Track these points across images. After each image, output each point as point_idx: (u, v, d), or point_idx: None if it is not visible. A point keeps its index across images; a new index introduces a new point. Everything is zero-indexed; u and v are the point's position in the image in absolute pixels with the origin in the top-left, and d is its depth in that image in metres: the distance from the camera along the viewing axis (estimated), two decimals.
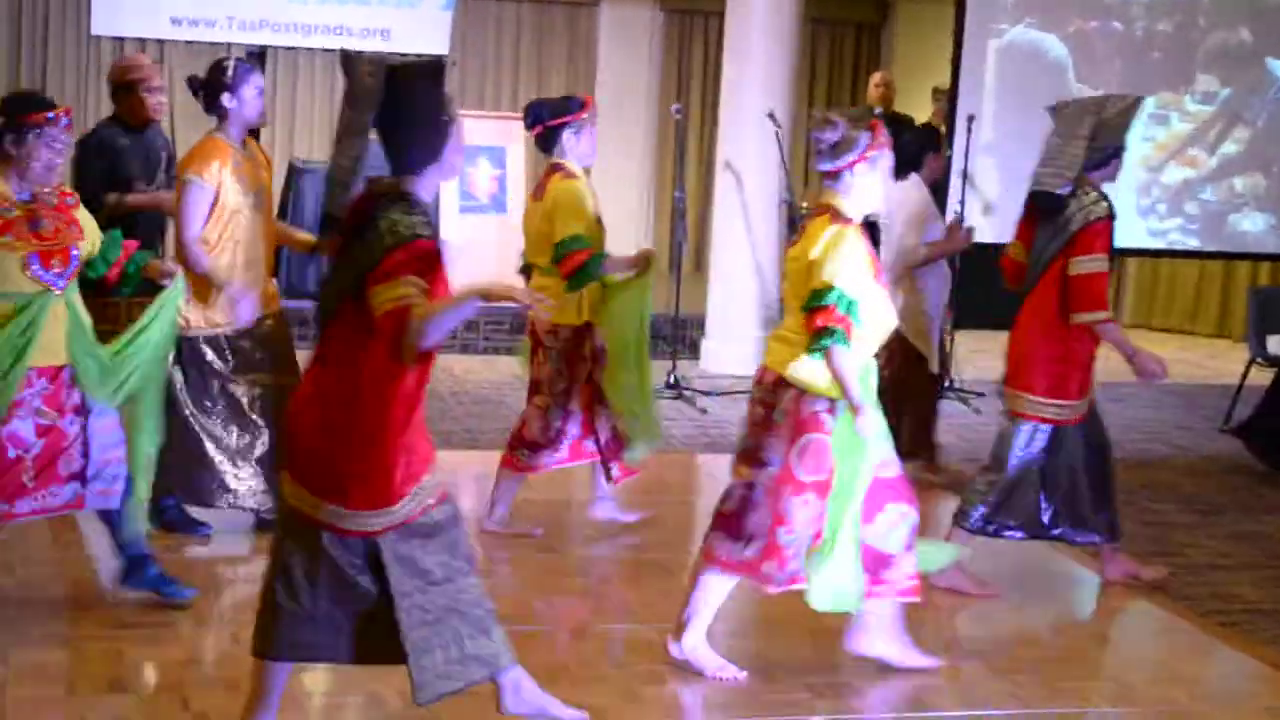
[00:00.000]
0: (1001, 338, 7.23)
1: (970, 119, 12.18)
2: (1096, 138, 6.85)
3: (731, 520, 5.80)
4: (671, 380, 11.29)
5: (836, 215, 5.62)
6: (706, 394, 11.23)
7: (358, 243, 4.57)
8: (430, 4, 15.84)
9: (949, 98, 13.03)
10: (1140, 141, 13.63)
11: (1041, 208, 6.90)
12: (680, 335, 11.93)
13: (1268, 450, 9.79)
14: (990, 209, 12.57)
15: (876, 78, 13.93)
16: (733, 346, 12.22)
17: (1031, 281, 6.90)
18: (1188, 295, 16.63)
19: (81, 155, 7.50)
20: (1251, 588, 7.48)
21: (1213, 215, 13.40)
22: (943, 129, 13.51)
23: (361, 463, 4.64)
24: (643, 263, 7.48)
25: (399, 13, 15.81)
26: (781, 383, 5.67)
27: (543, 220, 7.30)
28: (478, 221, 12.77)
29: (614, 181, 16.22)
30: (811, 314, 5.52)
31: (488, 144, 13.07)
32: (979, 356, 12.39)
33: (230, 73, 7.05)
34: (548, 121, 7.37)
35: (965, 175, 12.03)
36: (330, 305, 4.66)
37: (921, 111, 14.62)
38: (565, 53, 16.49)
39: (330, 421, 4.64)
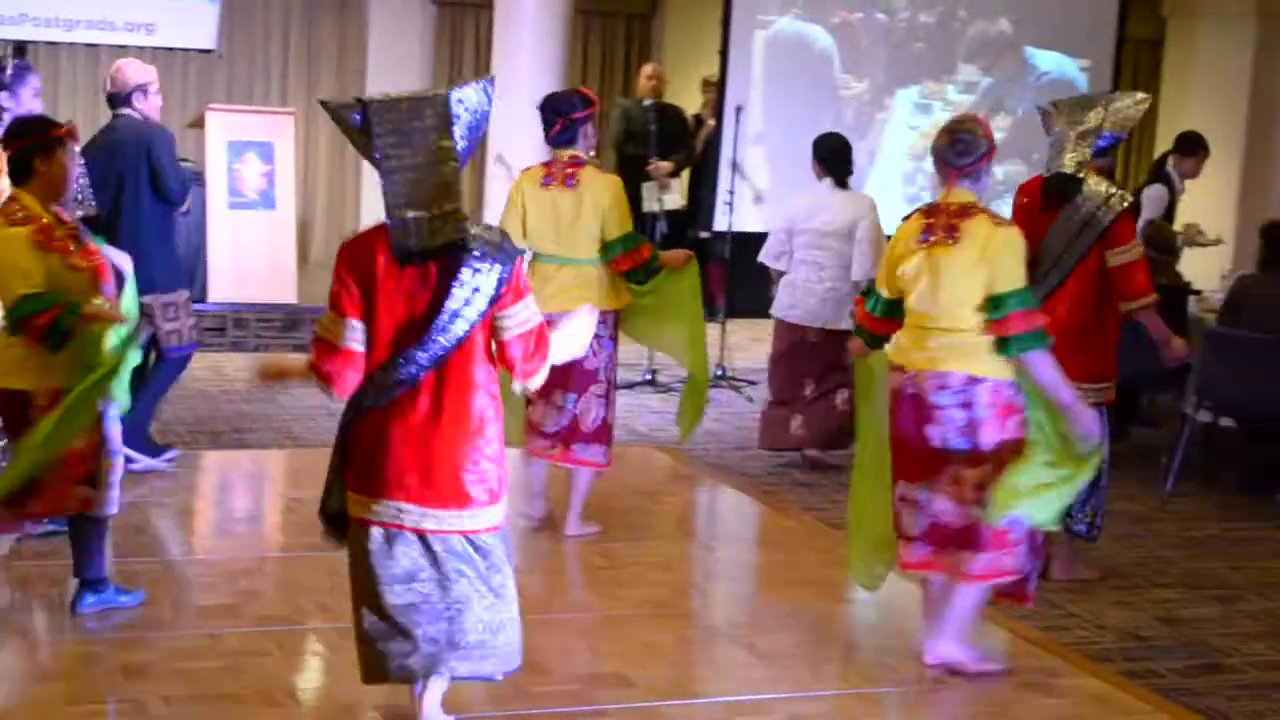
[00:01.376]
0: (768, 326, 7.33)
1: (739, 109, 12.30)
2: (1104, 127, 7.01)
3: (966, 533, 5.88)
4: None
5: (995, 215, 5.86)
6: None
7: (474, 276, 4.75)
8: None
9: (718, 88, 13.16)
10: (906, 130, 13.91)
11: (1054, 195, 7.00)
12: None
13: None
14: (760, 198, 12.71)
15: (647, 69, 13.99)
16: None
17: (1062, 274, 6.96)
18: None
19: None
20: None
21: None
22: (711, 120, 13.65)
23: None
24: (678, 263, 7.65)
25: (164, 7, 15.51)
26: (973, 380, 5.77)
27: (589, 212, 7.35)
28: (247, 218, 12.59)
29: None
30: (1006, 320, 5.71)
31: (257, 139, 12.89)
32: (752, 345, 12.52)
33: (7, 72, 6.90)
34: (574, 115, 7.44)
35: (735, 165, 12.14)
36: (461, 334, 4.77)
37: (691, 102, 14.77)
38: (335, 47, 16.33)
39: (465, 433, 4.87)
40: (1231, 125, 14.83)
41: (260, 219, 12.68)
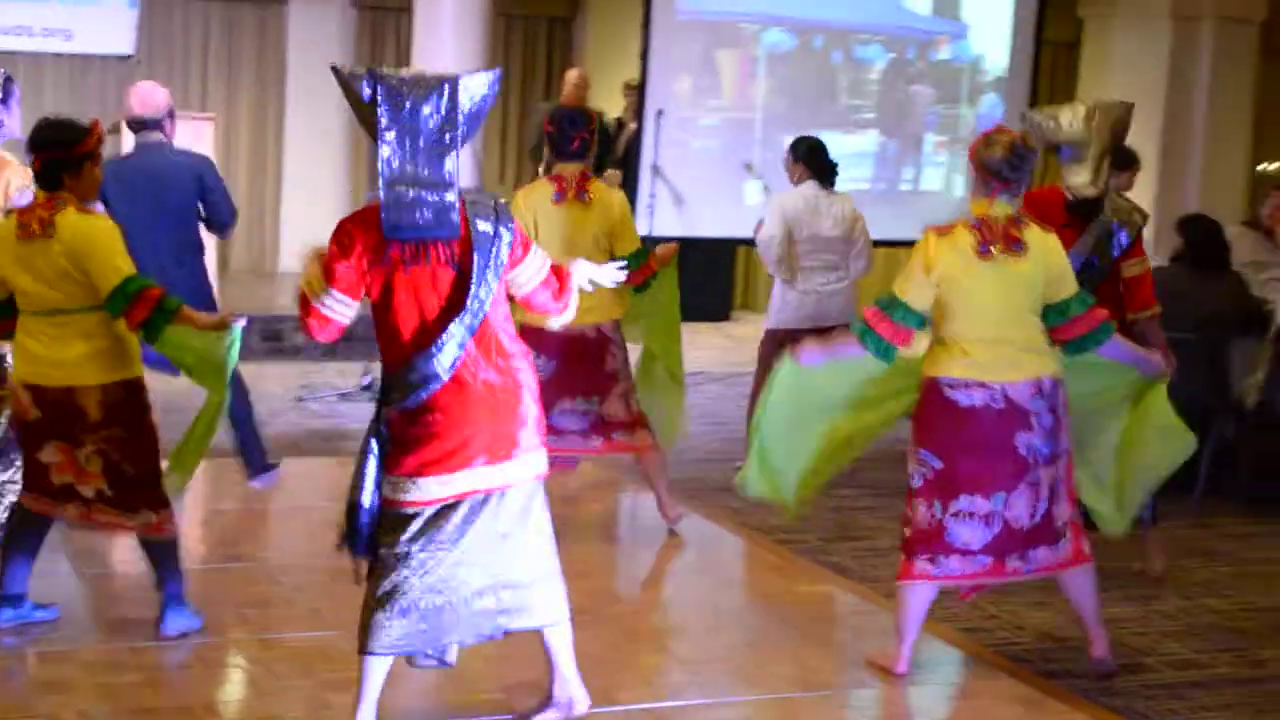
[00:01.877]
0: (695, 327, 7.35)
1: (659, 113, 12.32)
2: (1116, 141, 7.29)
3: (1044, 527, 6.06)
4: (366, 382, 11.23)
5: (1040, 223, 6.00)
6: None
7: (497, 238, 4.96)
8: (114, 3, 15.48)
9: (639, 91, 13.17)
10: (828, 137, 13.93)
11: (1081, 213, 7.15)
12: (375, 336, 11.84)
13: None
14: (680, 201, 12.73)
15: (573, 75, 14.02)
16: None
17: (1091, 288, 6.86)
18: (876, 281, 16.95)
19: None
20: None
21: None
22: (632, 124, 13.67)
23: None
24: (669, 258, 7.82)
25: (82, 12, 15.40)
26: (1056, 383, 5.96)
27: (598, 226, 7.57)
28: None
29: (308, 182, 16.09)
30: (1073, 324, 5.97)
31: (179, 146, 12.78)
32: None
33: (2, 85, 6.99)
34: (591, 130, 7.67)
35: (655, 169, 12.17)
36: (488, 298, 4.93)
37: (613, 105, 14.78)
38: (255, 52, 16.26)
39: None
40: (1148, 126, 14.91)
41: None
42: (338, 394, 11.21)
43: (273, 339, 12.66)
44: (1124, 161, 11.22)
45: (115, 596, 6.65)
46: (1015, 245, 5.87)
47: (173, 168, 8.06)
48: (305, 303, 5.02)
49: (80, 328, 5.96)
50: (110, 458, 6.01)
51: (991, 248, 5.85)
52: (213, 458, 8.98)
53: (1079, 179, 7.12)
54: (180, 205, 8.05)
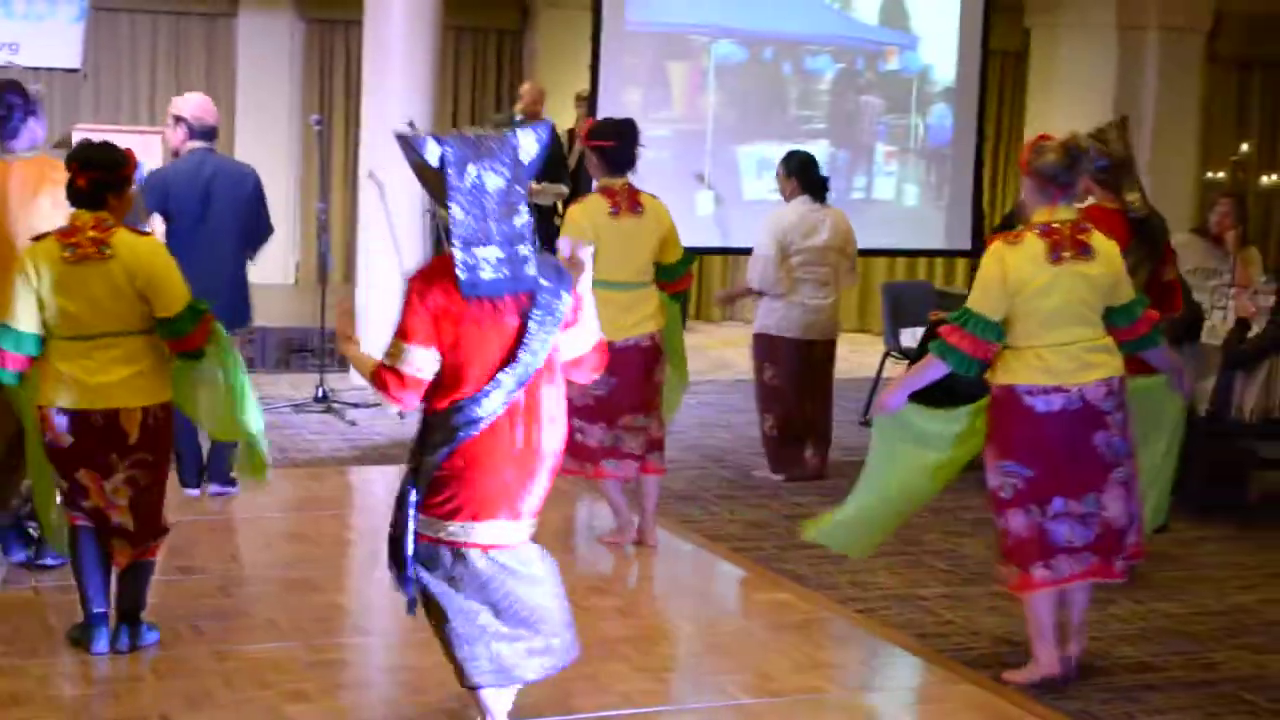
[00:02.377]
0: None
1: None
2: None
3: (1122, 529, 6.22)
4: (320, 394, 11.21)
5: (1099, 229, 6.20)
6: (355, 406, 11.16)
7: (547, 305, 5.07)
8: (61, 17, 15.36)
9: (590, 102, 13.17)
10: (777, 148, 13.95)
11: (1142, 229, 7.38)
12: (328, 348, 11.83)
13: None
14: None
15: (524, 88, 14.02)
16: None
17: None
18: None
19: None
20: (887, 574, 7.74)
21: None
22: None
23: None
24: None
25: (28, 26, 15.27)
26: (1123, 381, 6.14)
27: (652, 236, 7.67)
28: None
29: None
30: (1137, 324, 6.19)
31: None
32: None
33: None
34: (638, 144, 7.74)
35: None
36: (542, 351, 5.06)
37: (565, 117, 14.79)
38: (204, 65, 16.19)
39: None
40: None
41: None
42: (291, 405, 11.17)
43: None
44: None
45: (68, 609, 6.59)
46: (1084, 250, 6.02)
47: (243, 174, 8.49)
48: (384, 373, 5.05)
49: (127, 350, 5.99)
50: (138, 484, 6.05)
51: (1063, 253, 5.99)
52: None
53: (1133, 195, 7.38)
54: (246, 211, 8.42)
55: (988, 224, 14.12)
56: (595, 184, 7.79)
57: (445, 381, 5.05)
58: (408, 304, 5.00)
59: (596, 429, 7.62)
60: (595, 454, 7.64)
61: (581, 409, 7.41)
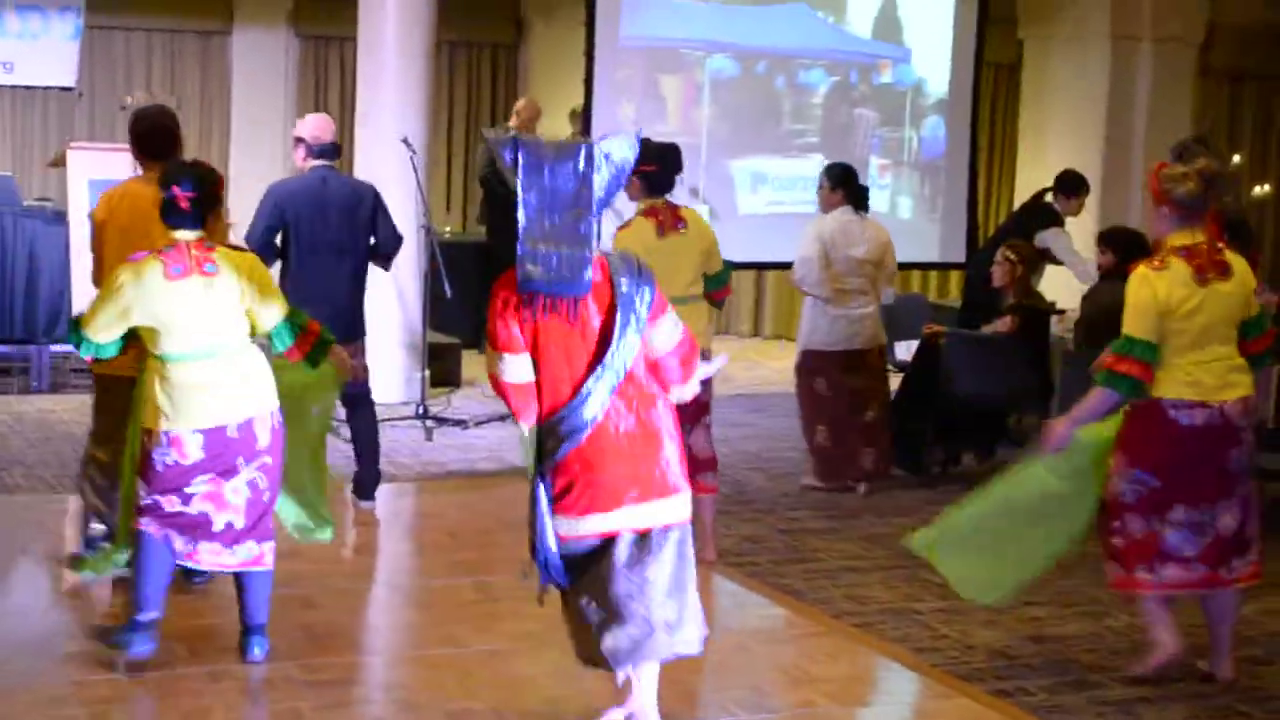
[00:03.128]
0: None
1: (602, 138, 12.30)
2: None
3: (1240, 537, 6.45)
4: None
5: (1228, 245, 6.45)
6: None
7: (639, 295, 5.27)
8: (55, 35, 15.39)
9: (584, 118, 13.18)
10: (771, 162, 13.97)
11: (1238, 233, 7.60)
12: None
13: (902, 454, 10.08)
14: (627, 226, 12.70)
15: (520, 103, 14.03)
16: (376, 373, 12.12)
17: None
18: None
19: None
20: (883, 589, 7.74)
21: None
22: None
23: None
24: None
25: (22, 45, 15.31)
26: (1253, 400, 6.43)
27: (699, 251, 7.81)
28: None
29: (253, 210, 16.00)
30: (1266, 336, 6.43)
31: (119, 177, 12.68)
32: None
33: None
34: (679, 169, 7.93)
35: None
36: (630, 353, 5.25)
37: (559, 133, 14.79)
38: (199, 82, 16.22)
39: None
40: (1089, 144, 15.04)
41: None
42: None
43: None
44: (1073, 187, 11.33)
45: (60, 630, 6.60)
46: (1224, 270, 6.27)
47: (358, 194, 8.71)
48: (493, 382, 5.34)
49: (238, 364, 6.10)
50: (257, 486, 6.15)
51: (1207, 275, 6.23)
52: None
53: (1230, 201, 7.73)
54: (367, 228, 8.67)
55: (981, 236, 14.12)
56: (637, 206, 7.87)
57: (539, 386, 5.26)
58: (491, 311, 5.21)
59: None
60: None
61: None
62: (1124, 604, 7.57)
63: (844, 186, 9.61)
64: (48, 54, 15.39)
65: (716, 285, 7.96)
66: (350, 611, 7.30)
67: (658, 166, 7.74)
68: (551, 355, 5.22)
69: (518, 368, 5.23)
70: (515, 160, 5.09)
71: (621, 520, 5.32)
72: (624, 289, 5.21)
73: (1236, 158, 14.01)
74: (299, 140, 8.72)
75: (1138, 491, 6.33)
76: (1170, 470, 6.29)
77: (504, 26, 17.18)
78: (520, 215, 5.08)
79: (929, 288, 16.59)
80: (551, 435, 5.28)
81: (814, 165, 13.83)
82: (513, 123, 13.99)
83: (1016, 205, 13.17)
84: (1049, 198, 11.36)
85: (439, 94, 14.87)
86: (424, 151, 12.09)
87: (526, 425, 5.35)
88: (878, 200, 14.03)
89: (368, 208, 8.66)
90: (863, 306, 9.63)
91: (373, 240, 8.74)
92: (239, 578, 6.26)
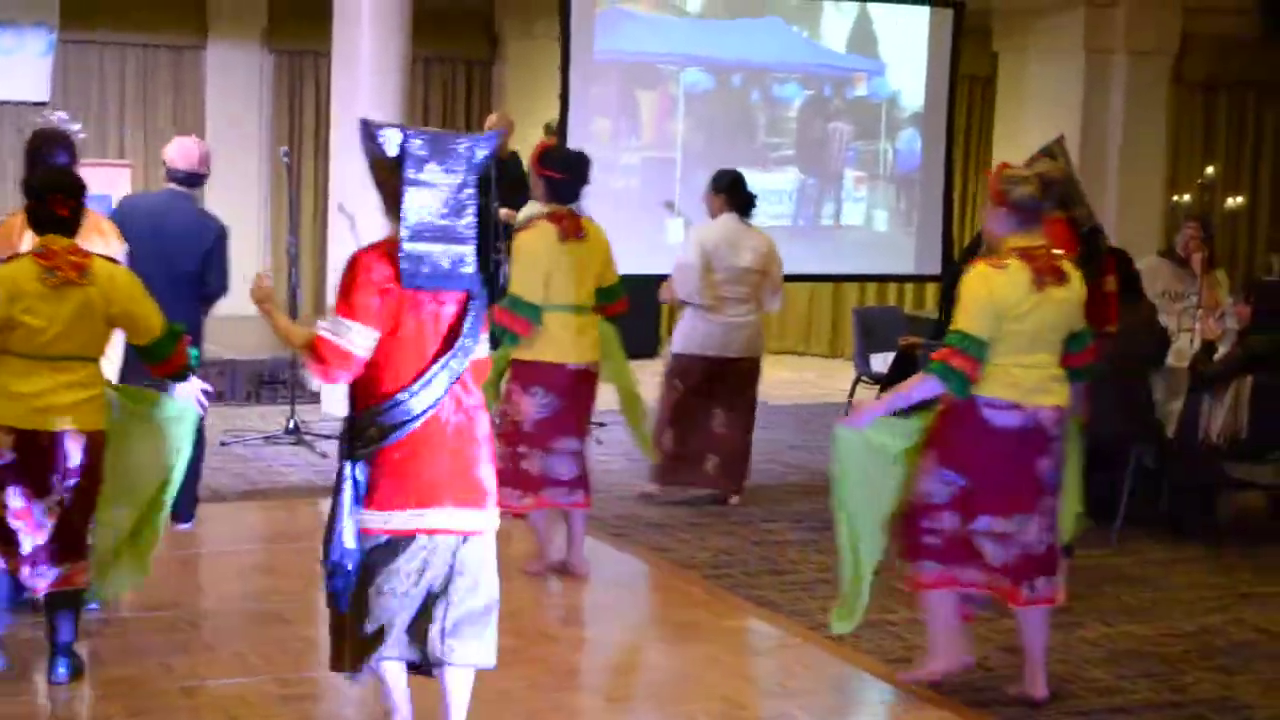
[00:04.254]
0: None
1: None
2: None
3: (1046, 557, 6.28)
4: (291, 425, 11.19)
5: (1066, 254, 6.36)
6: (326, 438, 11.14)
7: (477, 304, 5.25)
8: (29, 50, 15.35)
9: (559, 131, 13.20)
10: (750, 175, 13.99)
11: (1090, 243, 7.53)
12: (299, 379, 11.81)
13: None
14: None
15: (492, 118, 14.03)
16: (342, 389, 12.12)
17: None
18: (800, 317, 17.09)
19: None
20: None
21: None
22: None
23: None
24: None
25: None
26: (1069, 412, 6.30)
27: (597, 261, 7.75)
28: None
29: (229, 225, 15.97)
30: (1088, 350, 6.33)
31: (94, 192, 12.69)
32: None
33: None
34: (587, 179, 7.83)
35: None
36: (474, 346, 5.22)
37: (533, 147, 14.80)
38: (172, 97, 16.17)
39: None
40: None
41: None
42: (262, 437, 11.16)
43: None
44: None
45: (36, 646, 6.58)
46: (1060, 276, 6.17)
47: (201, 225, 8.56)
48: (321, 344, 5.11)
49: (80, 376, 6.03)
50: (65, 507, 6.04)
51: (1044, 278, 6.12)
52: None
53: (1081, 211, 7.55)
54: (204, 262, 8.43)
55: (956, 248, 14.15)
56: (541, 208, 7.85)
57: (380, 372, 5.13)
58: (353, 279, 5.07)
59: (537, 454, 7.67)
60: (536, 482, 7.68)
61: (525, 435, 7.65)
62: (1097, 615, 7.62)
63: (728, 193, 9.48)
64: (21, 69, 15.34)
65: (611, 298, 7.87)
66: (322, 625, 7.27)
67: (567, 175, 7.76)
68: (404, 338, 5.12)
69: (364, 339, 5.08)
70: (401, 154, 5.04)
71: (434, 520, 5.21)
72: (479, 290, 5.20)
73: (1210, 169, 14.03)
74: (163, 160, 8.65)
75: (948, 492, 6.17)
76: (977, 471, 6.14)
77: (479, 41, 17.17)
78: (405, 208, 5.03)
79: (905, 300, 16.61)
80: (377, 422, 5.13)
81: (789, 179, 13.90)
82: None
83: None
84: None
85: (414, 109, 14.87)
86: None
87: (324, 383, 5.29)
88: (854, 213, 14.11)
89: (207, 242, 8.44)
90: (741, 315, 9.49)
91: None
92: (47, 596, 6.17)
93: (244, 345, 12.97)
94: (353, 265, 5.10)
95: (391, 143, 5.05)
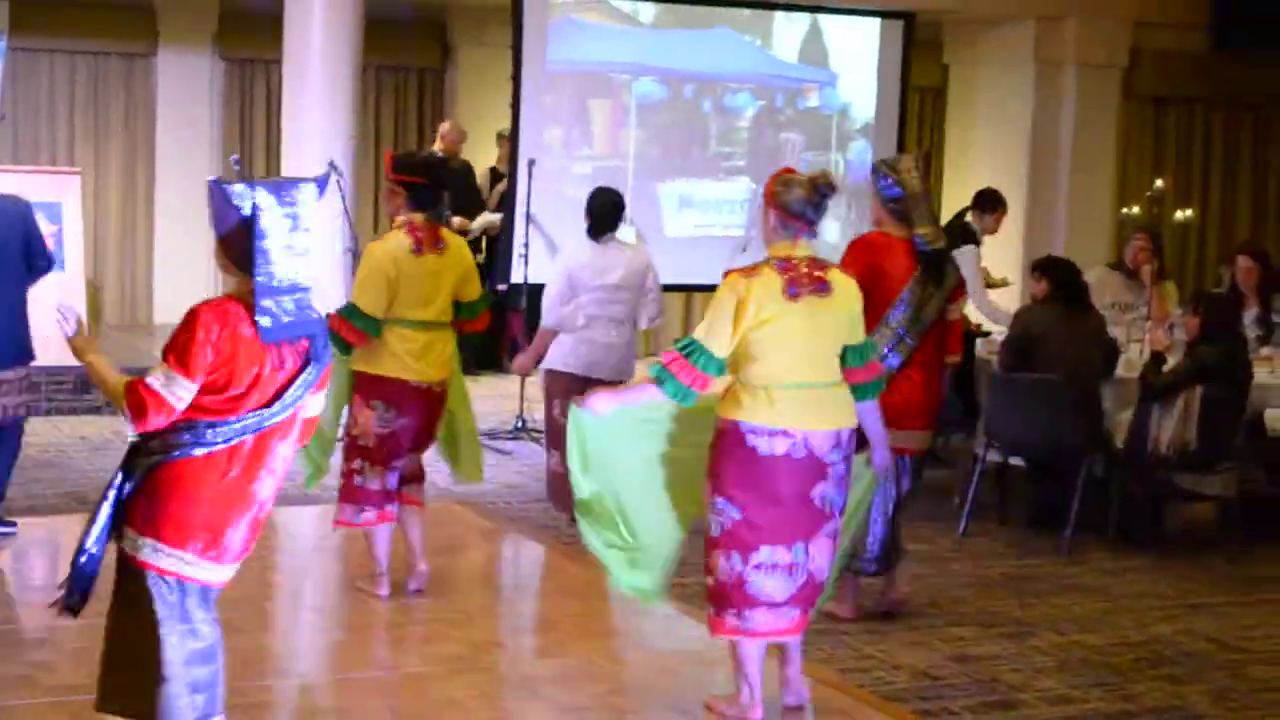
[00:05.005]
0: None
1: (531, 162, 12.33)
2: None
3: (823, 582, 6.09)
4: None
5: (840, 266, 6.13)
6: None
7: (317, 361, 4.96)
8: None
9: (511, 140, 13.20)
10: (696, 185, 14.01)
11: (932, 260, 7.31)
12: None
13: None
14: (554, 249, 12.74)
15: (444, 127, 14.03)
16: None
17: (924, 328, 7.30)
18: None
19: None
20: None
21: None
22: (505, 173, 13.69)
23: None
24: None
25: None
26: (853, 434, 5.98)
27: (457, 274, 7.44)
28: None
29: (180, 233, 15.95)
30: (868, 367, 5.99)
31: (43, 200, 12.64)
32: None
33: None
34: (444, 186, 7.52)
35: (528, 217, 12.20)
36: (293, 406, 4.89)
37: (485, 155, 14.82)
38: (123, 104, 16.11)
39: None
40: (1014, 168, 15.19)
41: (48, 280, 12.42)
42: None
43: None
44: (990, 204, 11.42)
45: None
46: (821, 286, 5.82)
47: (13, 211, 8.42)
48: (145, 393, 4.71)
49: None
50: None
51: (800, 289, 5.78)
52: (85, 514, 8.88)
53: (925, 228, 7.30)
54: (22, 244, 8.42)
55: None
56: (397, 219, 7.50)
57: (204, 401, 4.79)
58: (191, 337, 4.72)
59: (376, 472, 7.43)
60: (377, 498, 7.45)
61: (364, 449, 7.40)
62: (1048, 624, 7.65)
63: (593, 213, 9.08)
64: None
65: (471, 314, 7.59)
66: (280, 635, 7.26)
67: (423, 179, 7.47)
68: (233, 381, 4.74)
69: (189, 394, 4.72)
70: (254, 207, 4.75)
71: (171, 564, 4.79)
72: (322, 344, 4.93)
73: (1159, 182, 14.12)
74: None
75: (721, 524, 5.88)
76: (751, 502, 5.82)
77: (431, 49, 17.15)
78: (262, 264, 4.75)
79: None
80: (165, 437, 4.75)
81: (741, 188, 13.95)
82: (437, 145, 13.98)
83: None
84: (968, 217, 11.43)
85: (365, 117, 14.86)
86: (351, 174, 12.09)
87: (139, 432, 4.79)
88: None
89: (23, 222, 8.43)
90: (609, 335, 9.00)
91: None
92: None
93: None
94: (193, 318, 4.77)
95: (243, 199, 4.78)
